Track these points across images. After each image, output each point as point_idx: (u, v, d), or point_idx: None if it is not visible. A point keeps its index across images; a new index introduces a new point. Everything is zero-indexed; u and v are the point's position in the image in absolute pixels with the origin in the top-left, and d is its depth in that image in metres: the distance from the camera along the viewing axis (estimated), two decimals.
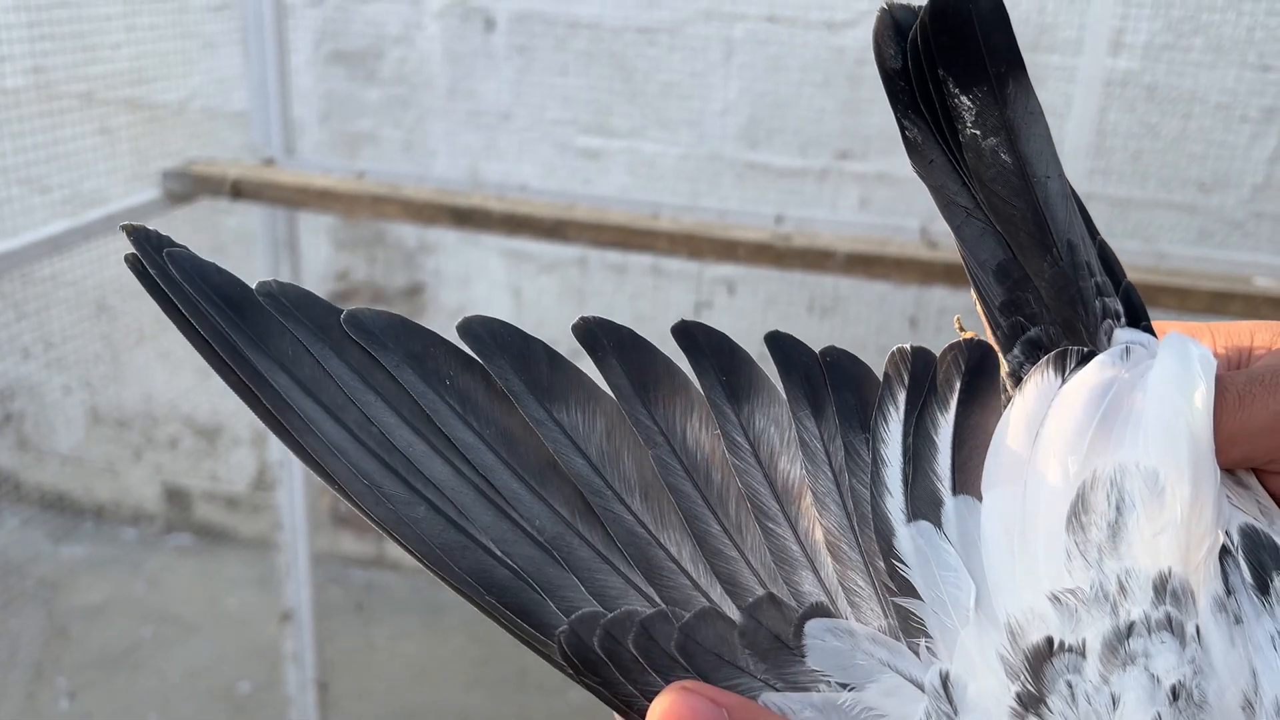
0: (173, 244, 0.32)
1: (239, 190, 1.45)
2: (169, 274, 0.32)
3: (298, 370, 0.32)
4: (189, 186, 1.47)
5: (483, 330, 0.33)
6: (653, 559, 0.31)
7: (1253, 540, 0.32)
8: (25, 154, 1.46)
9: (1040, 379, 0.34)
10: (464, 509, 0.31)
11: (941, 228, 0.38)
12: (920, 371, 0.34)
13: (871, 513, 0.32)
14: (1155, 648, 0.30)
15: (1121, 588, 0.30)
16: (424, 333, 0.33)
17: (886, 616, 0.31)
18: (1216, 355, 0.38)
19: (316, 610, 1.87)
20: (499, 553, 0.31)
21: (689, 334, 0.34)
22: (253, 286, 0.32)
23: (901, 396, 0.33)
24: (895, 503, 0.32)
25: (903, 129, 0.38)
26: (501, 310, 2.35)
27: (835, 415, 0.33)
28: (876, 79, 0.37)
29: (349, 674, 2.19)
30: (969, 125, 0.36)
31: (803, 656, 0.30)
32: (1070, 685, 0.30)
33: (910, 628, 0.31)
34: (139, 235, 0.33)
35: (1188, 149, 1.77)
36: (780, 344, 0.34)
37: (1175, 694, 0.30)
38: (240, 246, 2.10)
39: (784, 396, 0.33)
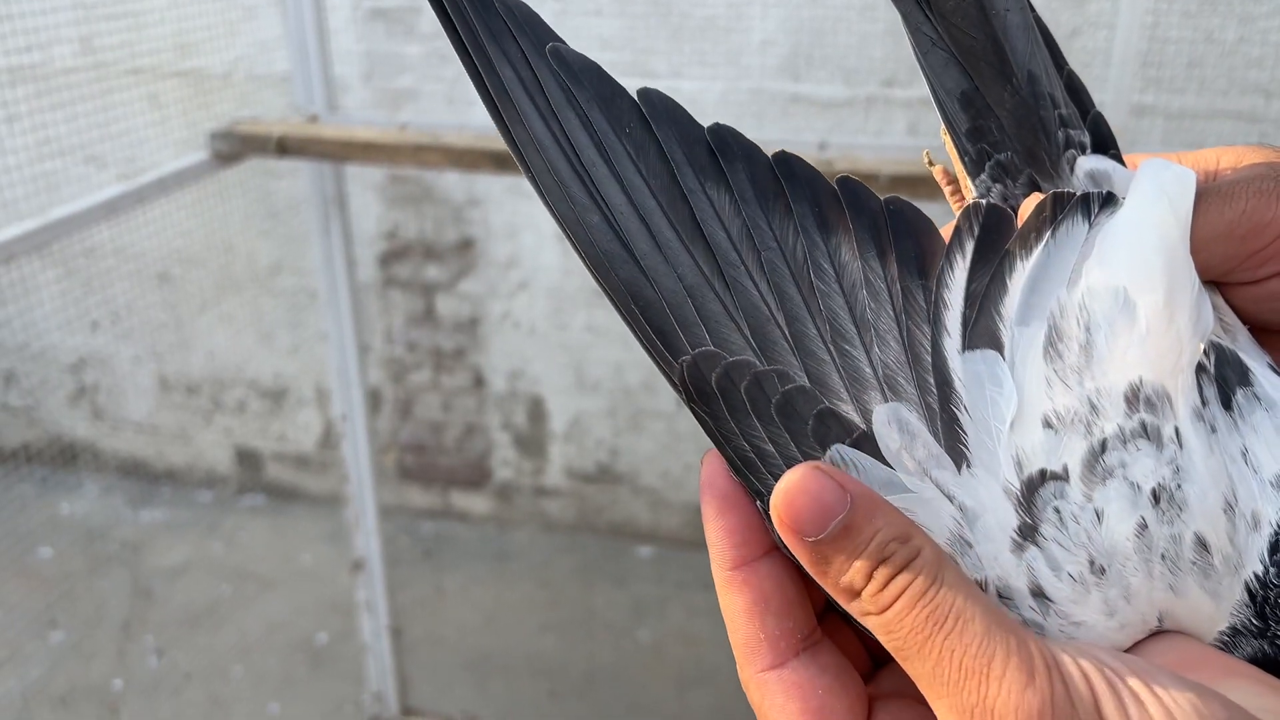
0: None
1: (284, 147, 1.47)
2: None
3: (521, 70, 0.36)
4: (236, 146, 1.49)
5: (659, 102, 0.36)
6: (769, 334, 0.34)
7: (1219, 356, 0.33)
8: (77, 122, 1.50)
9: (1070, 224, 0.34)
10: (629, 232, 0.35)
11: None
12: (993, 223, 0.35)
13: (931, 353, 0.33)
14: (1131, 456, 0.31)
15: (1093, 407, 0.32)
16: (613, 83, 0.36)
17: (937, 439, 0.33)
18: None
19: (386, 559, 1.91)
20: (649, 276, 0.35)
21: (788, 164, 0.36)
22: None
23: (970, 246, 0.34)
24: (953, 343, 0.33)
25: None
26: (550, 259, 2.36)
27: (895, 261, 0.35)
28: None
29: (421, 620, 2.25)
30: None
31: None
32: (1058, 511, 0.31)
33: (955, 450, 0.32)
34: None
35: (1247, 53, 1.71)
36: (851, 187, 0.36)
37: (1156, 497, 0.31)
38: (291, 210, 2.13)
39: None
